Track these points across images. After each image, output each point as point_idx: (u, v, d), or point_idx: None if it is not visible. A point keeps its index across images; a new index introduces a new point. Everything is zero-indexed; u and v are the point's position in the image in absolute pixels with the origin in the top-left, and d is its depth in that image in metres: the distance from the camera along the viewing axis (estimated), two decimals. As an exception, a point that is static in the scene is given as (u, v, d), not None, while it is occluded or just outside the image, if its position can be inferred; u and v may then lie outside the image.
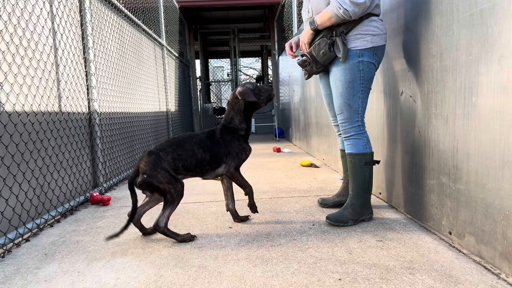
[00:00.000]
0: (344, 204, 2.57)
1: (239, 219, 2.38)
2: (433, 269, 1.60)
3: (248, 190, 2.28)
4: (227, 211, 2.40)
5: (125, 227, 1.95)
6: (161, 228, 2.01)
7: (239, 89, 2.27)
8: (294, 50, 2.50)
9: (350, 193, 2.28)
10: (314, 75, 2.43)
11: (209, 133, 2.23)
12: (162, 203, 2.13)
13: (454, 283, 1.47)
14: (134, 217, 2.01)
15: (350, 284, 1.50)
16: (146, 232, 2.21)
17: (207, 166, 2.17)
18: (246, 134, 2.29)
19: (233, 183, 2.45)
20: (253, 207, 2.34)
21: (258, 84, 2.34)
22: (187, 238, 2.06)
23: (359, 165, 2.23)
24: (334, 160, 4.11)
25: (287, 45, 2.53)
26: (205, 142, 2.18)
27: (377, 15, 2.18)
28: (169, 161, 2.06)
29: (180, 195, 2.04)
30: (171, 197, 2.02)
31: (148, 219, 2.48)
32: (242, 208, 2.67)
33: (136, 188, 2.00)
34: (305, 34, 2.26)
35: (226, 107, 2.35)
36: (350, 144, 2.26)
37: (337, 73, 2.20)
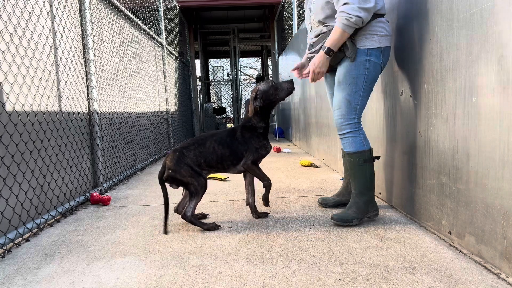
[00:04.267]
0: (348, 203, 2.58)
1: (257, 215, 2.42)
2: (433, 269, 1.60)
3: (266, 183, 2.33)
4: (246, 205, 2.51)
5: (165, 218, 2.20)
6: (188, 217, 2.19)
7: (252, 94, 2.31)
8: (302, 73, 2.49)
9: (353, 192, 2.27)
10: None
11: (230, 131, 2.32)
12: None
13: (454, 283, 1.47)
14: (168, 207, 2.21)
15: (350, 284, 1.50)
16: (199, 217, 2.44)
17: (228, 162, 2.28)
18: (264, 131, 2.34)
19: (255, 179, 2.49)
20: (266, 200, 2.37)
21: (274, 82, 2.33)
22: (212, 227, 2.21)
23: (358, 164, 2.21)
24: (334, 160, 4.11)
25: (295, 73, 2.52)
26: (225, 140, 2.28)
27: (383, 15, 2.18)
28: (191, 158, 2.22)
29: (204, 187, 2.21)
30: (195, 189, 2.19)
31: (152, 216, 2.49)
32: (243, 208, 2.67)
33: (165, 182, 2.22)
34: (321, 62, 2.18)
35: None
36: (347, 143, 2.24)
37: (342, 69, 2.19)
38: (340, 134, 2.27)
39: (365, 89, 2.18)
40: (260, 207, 2.64)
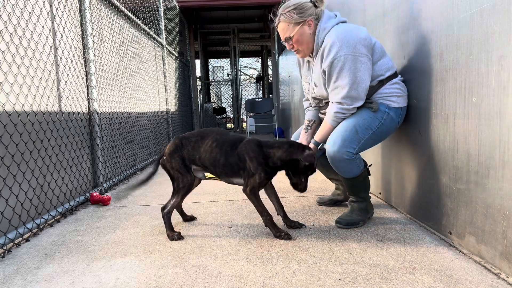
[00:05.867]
0: (342, 200, 2.63)
1: (291, 225, 2.18)
2: (433, 269, 1.60)
3: (264, 219, 2.05)
4: (277, 215, 2.23)
5: (143, 181, 2.26)
6: (163, 212, 2.14)
7: (307, 154, 1.97)
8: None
9: (354, 199, 2.25)
10: None
11: (236, 139, 2.10)
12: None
13: (454, 283, 1.47)
14: (148, 180, 2.25)
15: (350, 284, 1.50)
16: (186, 219, 2.41)
17: (220, 169, 2.09)
18: (271, 168, 2.03)
19: (275, 190, 2.25)
20: (280, 238, 2.02)
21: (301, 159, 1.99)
22: (173, 237, 2.08)
23: (359, 183, 2.19)
24: (334, 160, 4.10)
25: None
26: (226, 145, 2.07)
27: (395, 75, 2.14)
28: (188, 150, 2.12)
29: (186, 187, 2.13)
30: (177, 186, 2.14)
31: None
32: (243, 208, 2.67)
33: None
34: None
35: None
36: (342, 171, 2.12)
37: (359, 110, 2.12)
38: (330, 160, 2.09)
39: (375, 134, 2.08)
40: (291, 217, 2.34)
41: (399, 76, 2.18)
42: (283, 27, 2.17)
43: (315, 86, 2.24)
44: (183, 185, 2.11)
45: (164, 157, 2.15)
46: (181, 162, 2.11)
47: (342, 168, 2.12)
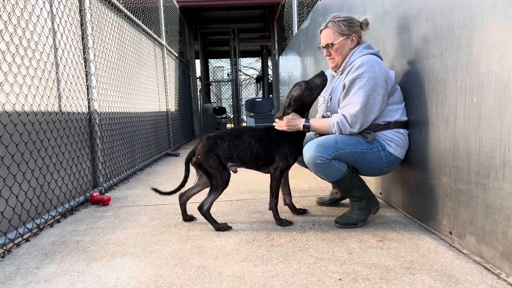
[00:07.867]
0: (341, 198, 2.63)
1: (297, 212, 2.47)
2: (433, 269, 1.60)
3: (274, 202, 2.25)
4: (284, 205, 2.49)
5: (171, 193, 2.36)
6: (203, 210, 2.21)
7: (286, 101, 2.21)
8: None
9: (351, 201, 2.22)
10: None
11: (267, 130, 2.26)
12: (208, 189, 2.28)
13: (454, 283, 1.47)
14: (181, 188, 2.34)
15: (350, 284, 1.50)
16: (186, 218, 2.43)
17: (262, 161, 2.22)
18: (298, 137, 2.22)
19: (288, 179, 2.48)
20: (281, 224, 2.25)
21: (306, 83, 2.18)
22: (222, 228, 2.20)
23: (345, 184, 2.15)
24: (334, 160, 4.10)
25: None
26: (263, 138, 2.22)
27: (404, 124, 2.18)
28: (224, 149, 2.21)
29: (225, 183, 2.21)
30: (216, 183, 2.19)
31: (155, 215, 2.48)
32: (243, 208, 2.67)
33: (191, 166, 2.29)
34: (294, 127, 2.16)
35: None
36: (323, 176, 2.13)
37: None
38: (307, 165, 2.13)
39: (357, 153, 2.09)
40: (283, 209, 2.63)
41: (407, 130, 2.21)
42: (328, 33, 2.25)
43: (330, 100, 2.28)
44: (222, 182, 2.20)
45: (199, 157, 2.20)
46: (218, 160, 2.19)
47: (320, 173, 2.11)
